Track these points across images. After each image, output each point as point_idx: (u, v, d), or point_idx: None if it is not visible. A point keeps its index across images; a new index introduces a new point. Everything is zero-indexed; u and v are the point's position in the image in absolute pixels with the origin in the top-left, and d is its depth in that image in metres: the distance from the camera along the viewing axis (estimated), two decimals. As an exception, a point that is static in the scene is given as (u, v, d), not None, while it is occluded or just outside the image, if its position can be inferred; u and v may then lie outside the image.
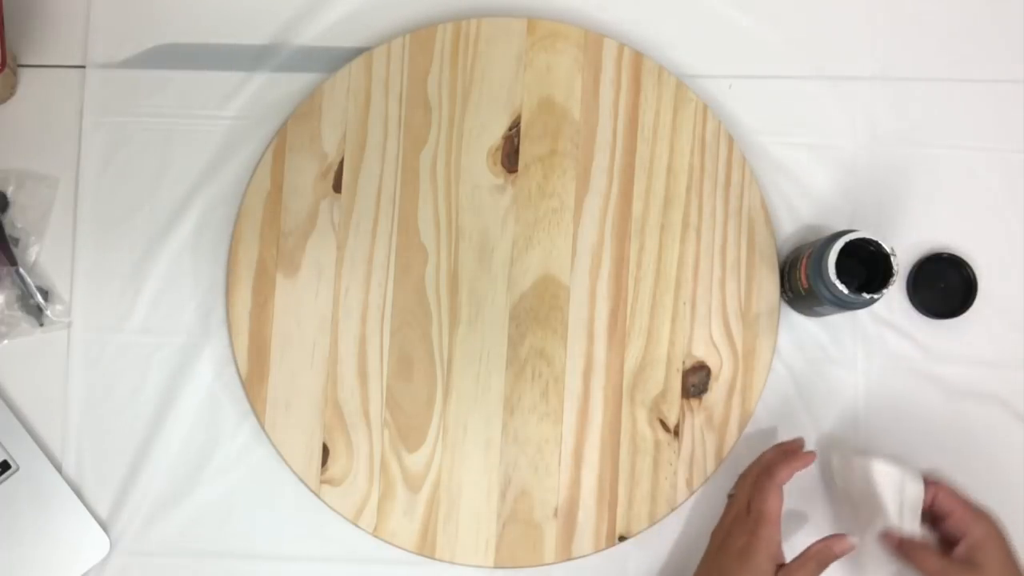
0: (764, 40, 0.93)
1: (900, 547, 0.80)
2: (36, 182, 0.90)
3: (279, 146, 0.89)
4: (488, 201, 0.89)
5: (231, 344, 0.88)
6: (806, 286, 0.84)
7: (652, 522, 0.87)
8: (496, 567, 0.86)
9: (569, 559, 0.86)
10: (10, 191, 0.90)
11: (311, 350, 0.88)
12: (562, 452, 0.87)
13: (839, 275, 0.80)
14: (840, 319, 0.90)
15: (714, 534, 0.84)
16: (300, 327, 0.88)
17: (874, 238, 0.80)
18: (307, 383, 0.87)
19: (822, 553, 0.77)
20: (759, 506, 0.79)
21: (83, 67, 0.92)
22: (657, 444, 0.87)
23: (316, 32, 0.93)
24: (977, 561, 0.77)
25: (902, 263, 0.91)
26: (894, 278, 0.80)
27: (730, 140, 0.90)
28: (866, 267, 0.83)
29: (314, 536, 0.88)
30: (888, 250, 0.80)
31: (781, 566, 0.78)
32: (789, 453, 0.83)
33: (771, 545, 0.78)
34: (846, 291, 0.80)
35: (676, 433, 0.87)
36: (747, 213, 0.90)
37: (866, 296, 0.80)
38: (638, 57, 0.91)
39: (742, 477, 0.85)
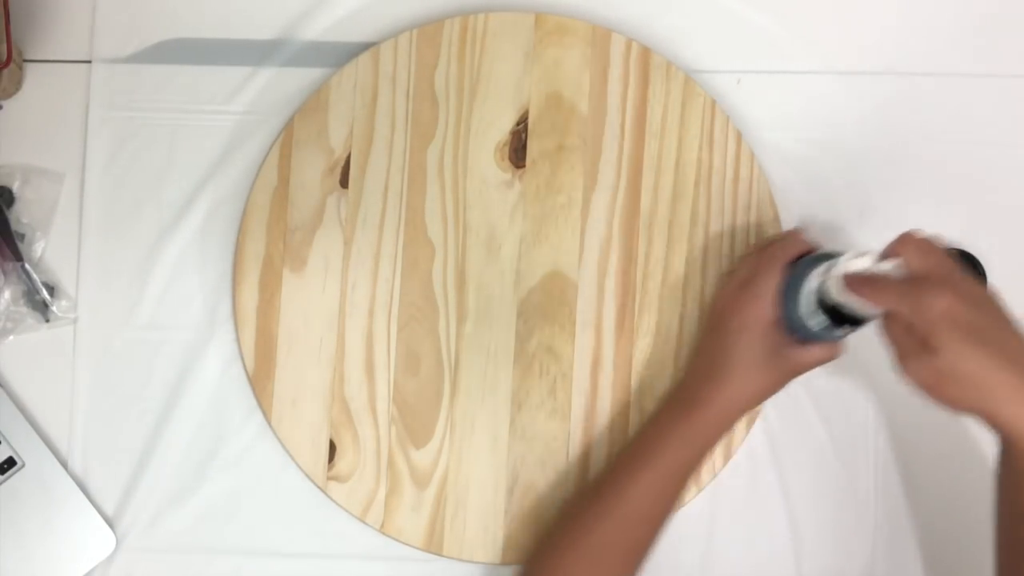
0: (773, 35, 0.93)
1: (860, 285, 0.71)
2: (42, 177, 0.90)
3: (286, 141, 0.89)
4: (496, 196, 0.89)
5: (238, 340, 0.87)
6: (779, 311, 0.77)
7: (660, 519, 0.86)
8: (504, 564, 0.86)
9: (577, 556, 0.86)
10: (16, 186, 0.89)
11: (318, 346, 0.87)
12: (570, 448, 0.87)
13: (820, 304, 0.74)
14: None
15: (713, 304, 0.82)
16: (307, 323, 0.87)
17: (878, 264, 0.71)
18: (314, 379, 0.87)
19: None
20: (758, 283, 0.77)
21: (89, 62, 0.92)
22: (665, 440, 0.87)
23: (323, 27, 0.92)
24: (933, 340, 0.67)
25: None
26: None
27: (738, 135, 0.90)
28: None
29: (321, 533, 0.87)
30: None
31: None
32: (797, 235, 0.81)
33: (765, 323, 0.76)
34: (826, 325, 0.73)
35: (684, 429, 0.87)
36: (756, 208, 0.89)
37: (841, 331, 0.74)
38: (646, 52, 0.90)
39: (743, 257, 0.82)
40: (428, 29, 0.90)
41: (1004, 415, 0.66)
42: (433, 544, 0.86)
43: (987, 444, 0.89)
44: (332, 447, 0.86)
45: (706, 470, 0.87)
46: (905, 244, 0.70)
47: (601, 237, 0.89)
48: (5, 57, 0.86)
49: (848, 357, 0.89)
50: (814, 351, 0.78)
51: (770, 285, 0.77)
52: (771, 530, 0.88)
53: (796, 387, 0.89)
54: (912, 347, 0.67)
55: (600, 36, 0.90)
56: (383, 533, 0.85)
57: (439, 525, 0.86)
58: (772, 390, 0.79)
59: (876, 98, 0.92)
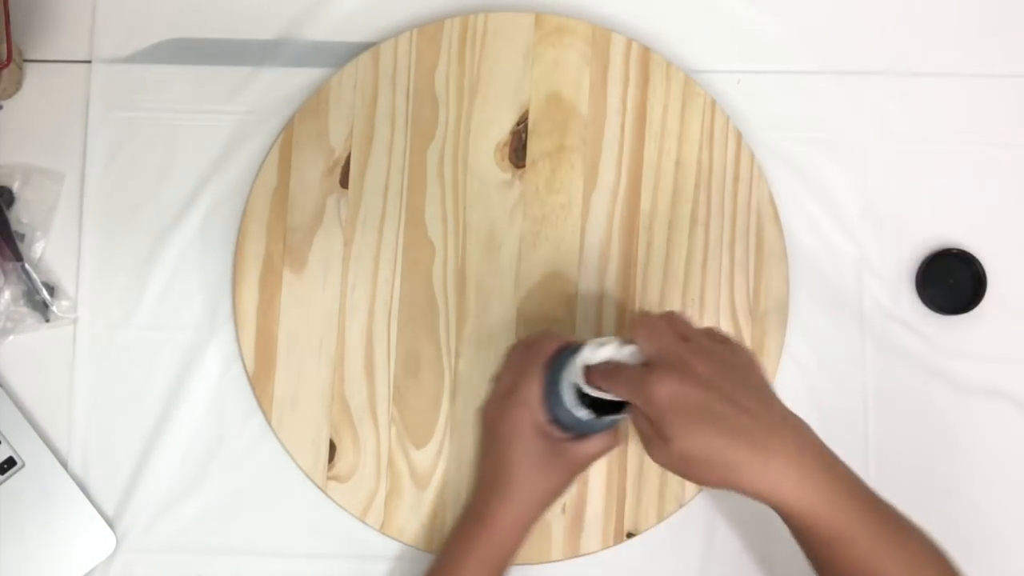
0: (773, 35, 0.93)
1: (597, 378, 0.71)
2: (42, 177, 0.90)
3: (286, 141, 0.89)
4: (496, 196, 0.89)
5: (238, 340, 0.87)
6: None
7: (660, 519, 0.86)
8: (504, 564, 0.86)
9: (577, 556, 0.86)
10: (16, 186, 0.89)
11: (318, 346, 0.87)
12: (570, 448, 0.87)
13: (581, 397, 0.73)
14: (848, 317, 0.90)
15: (483, 416, 0.81)
16: (307, 323, 0.87)
17: (622, 353, 0.71)
18: (314, 379, 0.87)
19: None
20: (522, 388, 0.76)
21: (89, 62, 0.92)
22: (665, 441, 0.87)
23: (323, 27, 0.92)
24: (665, 430, 0.66)
25: (911, 260, 0.91)
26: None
27: (738, 135, 0.90)
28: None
29: (320, 533, 0.87)
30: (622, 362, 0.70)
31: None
32: (551, 333, 0.81)
33: (536, 426, 0.76)
34: (589, 417, 0.73)
35: (684, 429, 0.87)
36: (755, 209, 0.89)
37: (608, 419, 0.73)
38: (646, 52, 0.90)
39: (505, 358, 0.81)
40: (428, 29, 0.90)
41: (745, 486, 0.66)
42: (433, 544, 0.86)
43: (982, 445, 0.89)
44: (332, 447, 0.86)
45: (706, 470, 0.87)
46: (636, 328, 0.69)
47: (601, 237, 0.89)
48: (5, 57, 0.86)
49: (849, 357, 0.90)
50: (592, 444, 0.77)
51: (533, 388, 0.76)
52: (771, 529, 0.88)
53: (796, 387, 0.89)
54: (652, 434, 0.67)
55: (600, 36, 0.90)
56: (383, 533, 0.85)
57: (439, 525, 0.86)
58: (559, 490, 0.78)
59: (876, 98, 0.92)
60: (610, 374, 0.70)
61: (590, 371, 0.71)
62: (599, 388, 0.71)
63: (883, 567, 0.67)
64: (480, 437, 0.82)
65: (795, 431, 0.68)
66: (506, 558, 0.78)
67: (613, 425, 0.77)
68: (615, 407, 0.73)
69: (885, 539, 0.67)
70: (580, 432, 0.77)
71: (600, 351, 0.71)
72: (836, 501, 0.66)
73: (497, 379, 0.80)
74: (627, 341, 0.71)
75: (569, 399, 0.74)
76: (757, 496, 0.66)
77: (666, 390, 0.65)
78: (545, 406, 0.76)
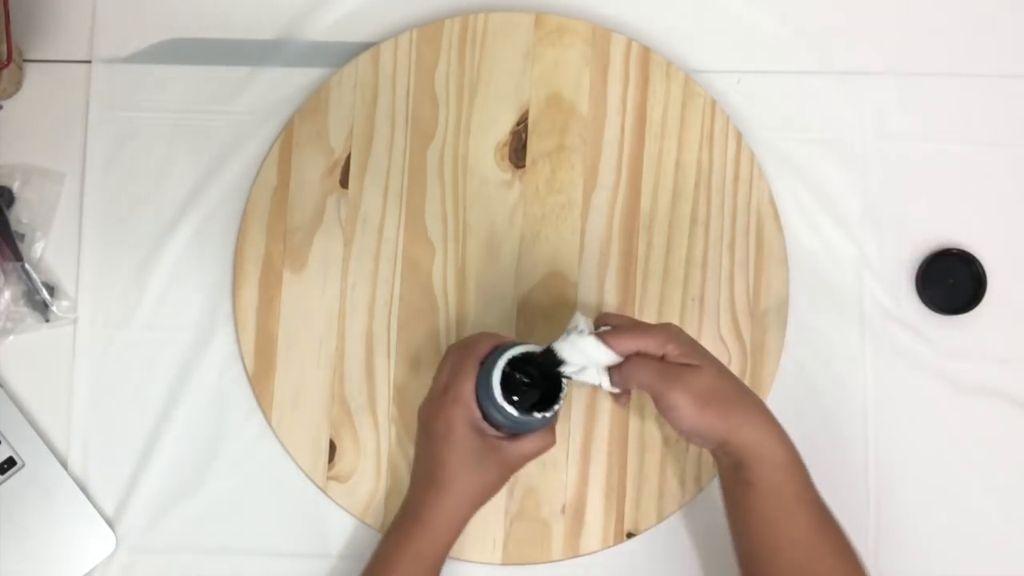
0: (773, 35, 0.93)
1: (618, 374, 0.76)
2: (42, 177, 0.90)
3: (286, 141, 0.89)
4: (495, 196, 0.89)
5: (238, 340, 0.87)
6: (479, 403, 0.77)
7: (660, 519, 0.86)
8: (504, 564, 0.86)
9: (577, 556, 0.86)
10: (16, 186, 0.89)
11: (318, 346, 0.87)
12: (570, 449, 0.87)
13: (509, 393, 0.74)
14: (848, 317, 0.90)
15: (419, 414, 0.81)
16: (307, 323, 0.87)
17: (536, 351, 0.74)
18: (314, 379, 0.87)
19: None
20: (456, 386, 0.77)
21: (89, 62, 0.92)
22: (665, 441, 0.87)
23: (323, 27, 0.92)
24: (694, 360, 0.74)
25: (911, 260, 0.91)
26: (563, 393, 0.74)
27: (738, 135, 0.90)
28: (543, 380, 0.76)
29: (320, 533, 0.87)
30: (552, 361, 0.74)
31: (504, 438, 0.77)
32: (486, 333, 0.81)
33: (470, 423, 0.76)
34: (516, 413, 0.74)
35: (684, 429, 0.87)
36: (755, 209, 0.89)
37: (537, 416, 0.74)
38: (646, 52, 0.90)
39: (442, 358, 0.82)
40: (428, 29, 0.90)
41: (747, 432, 0.73)
42: (433, 544, 0.86)
43: (982, 445, 0.89)
44: (332, 447, 0.86)
45: (706, 470, 0.87)
46: (608, 316, 0.79)
47: (601, 237, 0.89)
48: (5, 57, 0.86)
49: (849, 357, 0.90)
50: (526, 443, 0.77)
51: (466, 387, 0.76)
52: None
53: (796, 387, 0.89)
54: (673, 373, 0.73)
55: (600, 36, 0.90)
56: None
57: (439, 525, 0.86)
58: (494, 488, 0.79)
59: (876, 98, 0.92)
60: (625, 333, 0.75)
61: (606, 336, 0.75)
62: (616, 347, 0.74)
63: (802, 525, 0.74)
64: (416, 435, 0.82)
65: (766, 409, 0.76)
66: (440, 555, 0.78)
67: (546, 424, 0.77)
68: (542, 405, 0.74)
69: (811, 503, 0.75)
70: (514, 431, 0.77)
71: (585, 320, 0.76)
72: (795, 463, 0.75)
73: (435, 378, 0.81)
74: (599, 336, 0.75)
75: (496, 397, 0.74)
76: (743, 446, 0.73)
77: (679, 329, 0.76)
78: (479, 404, 0.76)
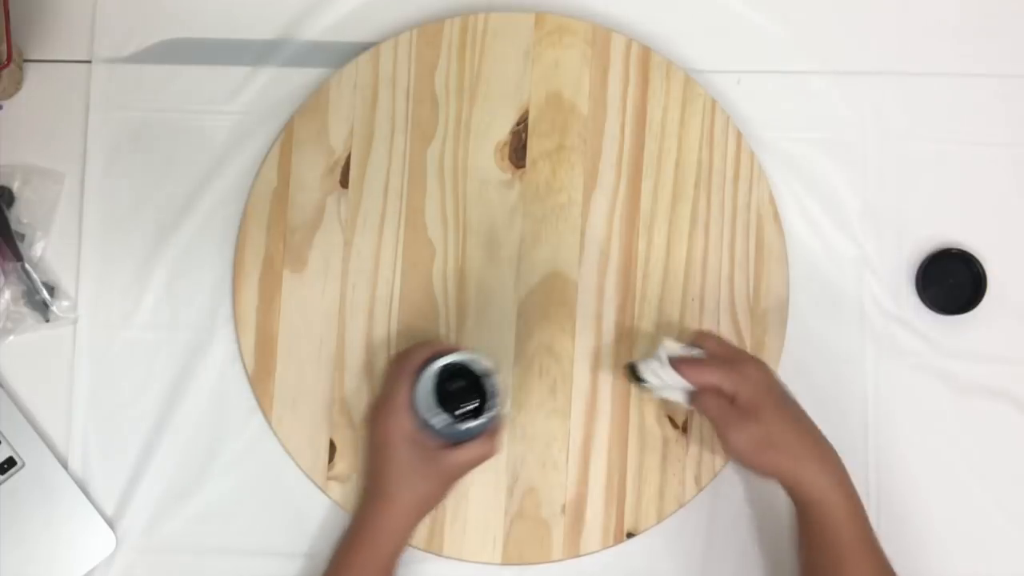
0: (773, 35, 0.93)
1: (693, 399, 0.80)
2: (42, 177, 0.90)
3: (286, 141, 0.89)
4: (496, 196, 0.89)
5: (238, 340, 0.87)
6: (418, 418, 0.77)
7: (660, 519, 0.86)
8: (504, 564, 0.86)
9: (577, 556, 0.86)
10: (16, 186, 0.89)
11: (318, 346, 0.87)
12: (570, 448, 0.87)
13: (444, 402, 0.75)
14: (848, 317, 0.90)
15: (364, 425, 0.81)
16: (307, 323, 0.87)
17: (465, 359, 0.75)
18: (314, 379, 0.87)
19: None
20: (393, 397, 0.77)
21: (89, 62, 0.92)
22: (665, 441, 0.87)
23: (323, 27, 0.92)
24: (760, 406, 0.78)
25: (911, 260, 0.91)
26: (495, 401, 0.75)
27: (738, 135, 0.90)
28: (477, 389, 0.76)
29: (320, 533, 0.87)
30: (484, 370, 0.75)
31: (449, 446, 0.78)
32: (424, 342, 0.82)
33: (408, 434, 0.77)
34: (448, 421, 0.75)
35: (684, 430, 0.87)
36: (755, 208, 0.89)
37: (470, 424, 0.75)
38: (646, 52, 0.90)
39: (384, 370, 0.82)
40: (428, 29, 0.90)
41: (808, 481, 0.77)
42: (433, 544, 0.86)
43: (982, 445, 0.89)
44: (332, 447, 0.86)
45: (706, 470, 0.87)
46: (706, 337, 0.81)
47: (601, 237, 0.89)
48: (5, 57, 0.86)
49: (849, 357, 0.90)
50: (466, 451, 0.78)
51: (403, 397, 0.77)
52: (771, 529, 0.88)
53: (796, 387, 0.89)
54: (735, 417, 0.77)
55: (600, 36, 0.90)
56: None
57: (439, 525, 0.86)
58: (435, 497, 0.79)
59: (876, 98, 0.92)
60: (700, 364, 0.79)
61: (678, 361, 0.79)
62: (686, 376, 0.79)
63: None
64: (363, 447, 0.82)
65: (833, 452, 0.79)
66: (386, 564, 0.79)
67: (483, 431, 0.77)
68: (473, 415, 0.75)
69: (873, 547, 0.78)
70: (453, 440, 0.77)
71: (673, 345, 0.81)
72: (855, 514, 0.77)
73: (380, 389, 0.82)
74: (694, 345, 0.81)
75: (429, 406, 0.75)
76: (807, 491, 0.77)
77: (760, 373, 0.79)
78: (417, 414, 0.76)
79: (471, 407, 0.76)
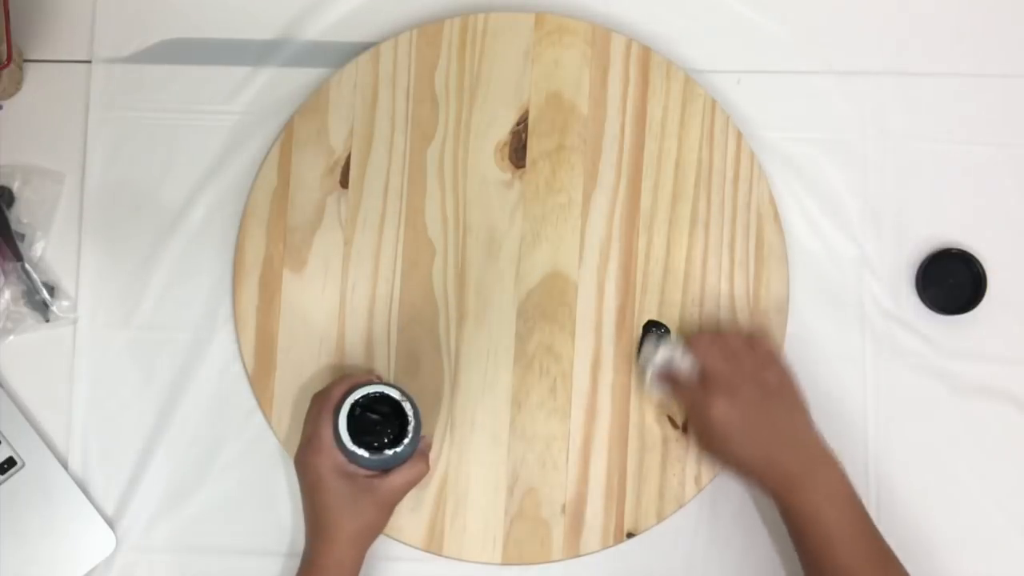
0: (773, 35, 0.93)
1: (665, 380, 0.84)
2: (42, 177, 0.90)
3: (286, 141, 0.89)
4: (496, 196, 0.89)
5: (238, 340, 0.87)
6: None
7: (660, 519, 0.86)
8: (504, 564, 0.86)
9: (577, 556, 0.86)
10: (16, 186, 0.89)
11: (318, 346, 0.87)
12: (570, 448, 0.87)
13: (363, 433, 0.76)
14: (848, 317, 0.90)
15: (295, 466, 0.81)
16: (307, 323, 0.87)
17: (376, 391, 0.76)
18: (314, 379, 0.87)
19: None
20: (317, 435, 0.78)
21: (89, 62, 0.92)
22: (665, 441, 0.87)
23: (323, 27, 0.92)
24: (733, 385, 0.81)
25: (911, 260, 0.91)
26: (410, 427, 0.75)
27: (739, 135, 0.90)
28: (395, 416, 0.77)
29: (321, 533, 0.87)
30: (398, 396, 0.76)
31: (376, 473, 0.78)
32: (343, 377, 0.82)
33: (337, 469, 0.77)
34: (365, 454, 0.75)
35: (684, 430, 0.87)
36: (755, 208, 0.89)
37: (388, 453, 0.75)
38: (646, 52, 0.90)
39: (308, 408, 0.82)
40: (428, 29, 0.90)
41: (769, 490, 0.80)
42: (433, 544, 0.86)
43: (982, 445, 0.89)
44: (332, 447, 0.86)
45: (706, 470, 0.87)
46: (695, 345, 0.83)
47: (601, 237, 0.89)
48: (5, 57, 0.86)
49: (849, 357, 0.90)
50: (399, 476, 0.78)
51: (326, 433, 0.77)
52: (771, 529, 0.88)
53: (796, 387, 0.89)
54: (712, 388, 0.81)
55: (600, 36, 0.90)
56: (383, 533, 0.85)
57: (439, 525, 0.86)
58: (376, 525, 0.79)
59: (876, 98, 0.92)
60: (675, 387, 0.84)
61: (658, 371, 0.84)
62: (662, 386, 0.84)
63: None
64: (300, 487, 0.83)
65: (826, 465, 0.80)
66: None
67: (410, 453, 0.77)
68: (396, 441, 0.76)
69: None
70: (384, 467, 0.78)
71: (663, 348, 0.84)
72: (851, 540, 0.78)
73: (303, 429, 0.82)
74: (686, 349, 0.83)
75: (346, 440, 0.75)
76: (775, 498, 0.80)
77: (718, 411, 0.79)
78: (342, 448, 0.76)
79: (390, 436, 0.76)
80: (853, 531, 0.78)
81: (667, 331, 0.87)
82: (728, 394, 0.80)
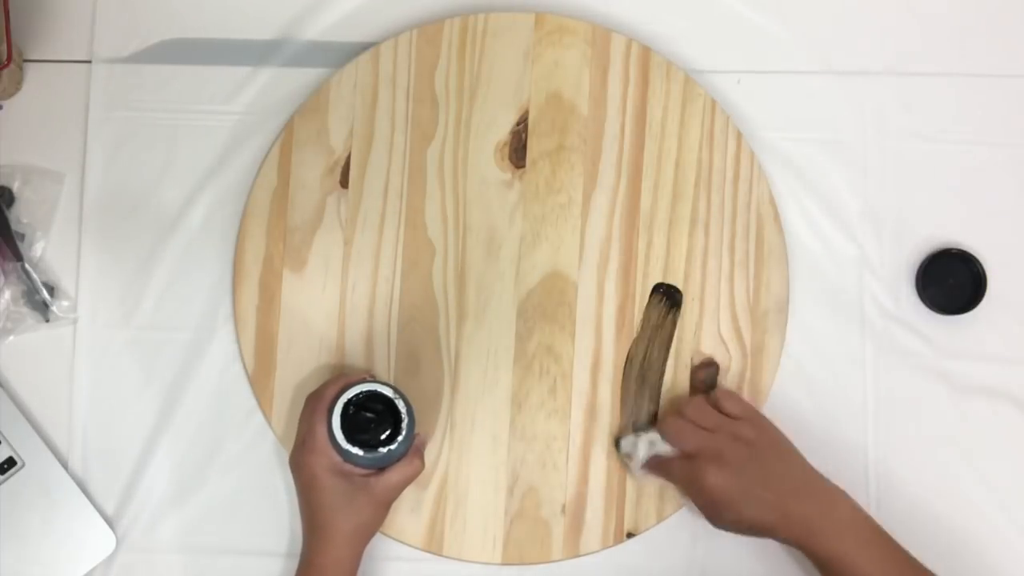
0: (773, 35, 0.93)
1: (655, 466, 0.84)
2: (42, 177, 0.90)
3: (286, 141, 0.89)
4: (495, 196, 0.89)
5: (238, 340, 0.87)
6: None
7: (660, 519, 0.86)
8: (504, 564, 0.86)
9: (577, 556, 0.86)
10: (16, 186, 0.89)
11: (318, 346, 0.87)
12: (570, 449, 0.87)
13: (358, 432, 0.76)
14: (848, 317, 0.90)
15: (290, 467, 0.81)
16: (307, 323, 0.87)
17: (368, 389, 0.76)
18: (314, 379, 0.87)
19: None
20: (311, 435, 0.77)
21: (89, 62, 0.92)
22: (665, 440, 0.87)
23: (323, 27, 0.92)
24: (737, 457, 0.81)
25: (911, 260, 0.91)
26: (404, 424, 0.76)
27: (739, 135, 0.90)
28: (389, 414, 0.77)
29: (321, 533, 0.87)
30: (391, 394, 0.76)
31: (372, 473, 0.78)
32: (336, 377, 0.82)
33: (332, 469, 0.77)
34: (360, 452, 0.75)
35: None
36: (755, 208, 0.89)
37: (382, 451, 0.75)
38: (646, 52, 0.90)
39: (302, 409, 0.82)
40: (428, 29, 0.90)
41: (792, 542, 0.80)
42: (433, 544, 0.86)
43: (982, 445, 0.89)
44: (332, 447, 0.86)
45: (706, 470, 0.87)
46: (668, 433, 0.83)
47: (601, 237, 0.89)
48: (5, 57, 0.86)
49: (849, 357, 0.90)
50: (394, 474, 0.78)
51: (320, 433, 0.77)
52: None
53: (796, 387, 0.89)
54: (707, 460, 0.80)
55: (600, 36, 0.90)
56: (383, 533, 0.85)
57: (439, 525, 0.86)
58: (372, 524, 0.79)
59: (876, 98, 0.92)
60: (664, 471, 0.84)
61: (644, 464, 0.84)
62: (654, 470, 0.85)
63: None
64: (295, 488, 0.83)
65: (837, 502, 0.80)
66: None
67: (405, 451, 0.77)
68: (390, 439, 0.76)
69: None
70: (377, 466, 0.78)
71: (640, 445, 0.84)
72: (877, 567, 0.78)
73: (297, 430, 0.81)
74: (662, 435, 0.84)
75: (340, 439, 0.75)
76: (799, 548, 0.80)
77: (712, 481, 0.80)
78: (336, 448, 0.76)
79: (385, 434, 0.76)
80: (880, 559, 0.78)
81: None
82: (715, 462, 0.80)
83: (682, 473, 0.82)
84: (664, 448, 0.83)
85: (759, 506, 0.79)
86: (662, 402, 0.87)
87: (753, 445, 0.81)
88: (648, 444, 0.83)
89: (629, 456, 0.84)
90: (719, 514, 0.81)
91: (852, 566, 0.77)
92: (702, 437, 0.82)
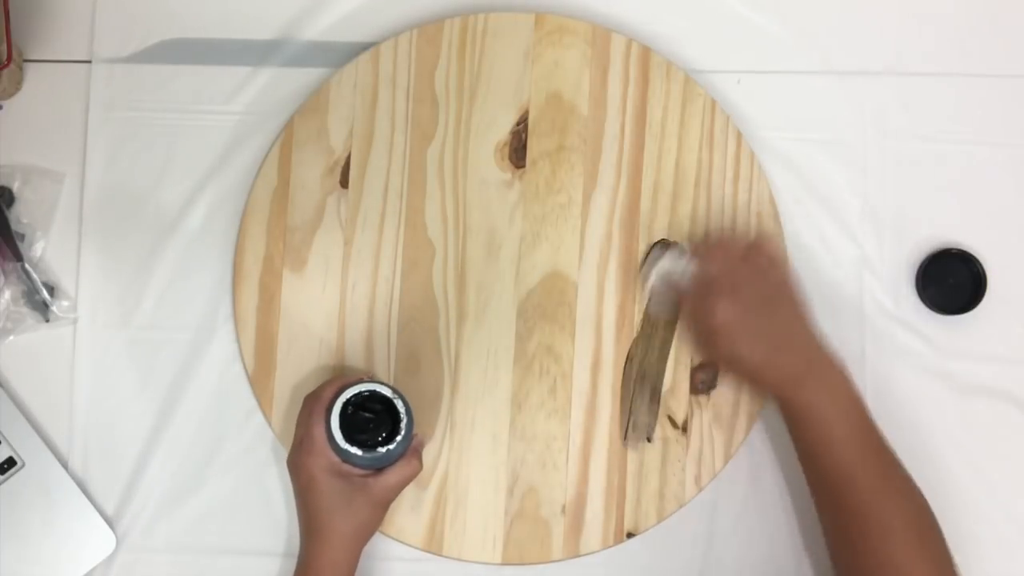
0: (773, 35, 0.93)
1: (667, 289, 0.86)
2: (42, 177, 0.90)
3: (286, 141, 0.89)
4: (495, 196, 0.89)
5: (238, 340, 0.87)
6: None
7: (660, 519, 0.86)
8: (504, 564, 0.86)
9: (577, 556, 0.86)
10: (16, 186, 0.89)
11: (318, 346, 0.87)
12: (570, 449, 0.87)
13: (357, 432, 0.76)
14: (848, 317, 0.90)
15: (288, 467, 0.81)
16: (307, 323, 0.87)
17: (367, 389, 0.76)
18: (314, 379, 0.87)
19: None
20: (309, 436, 0.77)
21: (89, 62, 0.92)
22: (665, 441, 0.87)
23: (323, 27, 0.92)
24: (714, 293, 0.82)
25: (911, 260, 0.91)
26: (402, 424, 0.76)
27: (739, 135, 0.90)
28: (388, 414, 0.77)
29: (321, 533, 0.87)
30: (389, 394, 0.76)
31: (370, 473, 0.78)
32: (333, 379, 0.81)
33: (330, 469, 0.77)
34: (359, 452, 0.75)
35: (684, 430, 0.87)
36: (755, 208, 0.89)
37: (381, 451, 0.75)
38: (646, 52, 0.90)
39: (300, 410, 0.82)
40: (428, 29, 0.90)
41: (771, 388, 0.82)
42: (433, 544, 0.86)
43: (982, 445, 0.89)
44: (332, 447, 0.86)
45: (706, 470, 0.87)
46: (698, 252, 0.85)
47: (601, 237, 0.89)
48: (5, 57, 0.86)
49: (849, 357, 0.90)
50: (392, 474, 0.78)
51: (318, 434, 0.77)
52: (772, 529, 0.88)
53: (796, 387, 0.89)
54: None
55: (600, 36, 0.90)
56: (383, 533, 0.85)
57: (439, 525, 0.86)
58: (371, 525, 0.79)
59: (876, 98, 0.92)
60: (675, 287, 0.85)
61: (659, 281, 0.85)
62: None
63: (865, 488, 0.79)
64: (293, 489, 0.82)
65: (829, 366, 0.81)
66: None
67: (403, 451, 0.77)
68: (388, 439, 0.76)
69: (879, 478, 0.80)
70: (375, 466, 0.78)
71: (666, 258, 0.85)
72: (852, 438, 0.80)
73: (295, 431, 0.81)
74: (690, 257, 0.85)
75: (339, 439, 0.75)
76: (777, 396, 0.81)
77: (721, 311, 0.80)
78: (335, 448, 0.76)
79: (383, 434, 0.76)
80: (853, 429, 0.79)
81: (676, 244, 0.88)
82: (730, 295, 0.80)
83: (693, 297, 0.83)
84: (687, 270, 0.84)
85: (754, 345, 0.80)
86: (662, 402, 0.87)
87: (770, 293, 0.82)
88: (674, 256, 0.85)
89: (650, 268, 0.86)
90: (715, 344, 0.81)
91: (821, 421, 0.79)
92: (728, 268, 0.82)
